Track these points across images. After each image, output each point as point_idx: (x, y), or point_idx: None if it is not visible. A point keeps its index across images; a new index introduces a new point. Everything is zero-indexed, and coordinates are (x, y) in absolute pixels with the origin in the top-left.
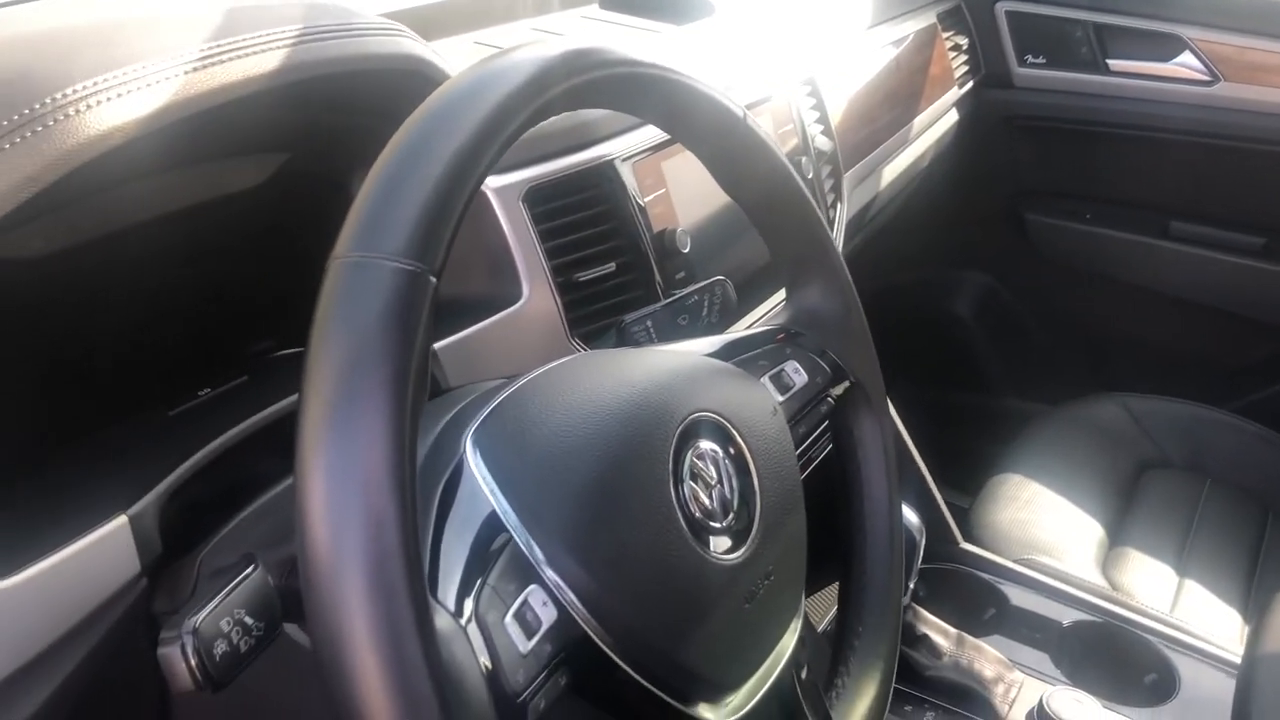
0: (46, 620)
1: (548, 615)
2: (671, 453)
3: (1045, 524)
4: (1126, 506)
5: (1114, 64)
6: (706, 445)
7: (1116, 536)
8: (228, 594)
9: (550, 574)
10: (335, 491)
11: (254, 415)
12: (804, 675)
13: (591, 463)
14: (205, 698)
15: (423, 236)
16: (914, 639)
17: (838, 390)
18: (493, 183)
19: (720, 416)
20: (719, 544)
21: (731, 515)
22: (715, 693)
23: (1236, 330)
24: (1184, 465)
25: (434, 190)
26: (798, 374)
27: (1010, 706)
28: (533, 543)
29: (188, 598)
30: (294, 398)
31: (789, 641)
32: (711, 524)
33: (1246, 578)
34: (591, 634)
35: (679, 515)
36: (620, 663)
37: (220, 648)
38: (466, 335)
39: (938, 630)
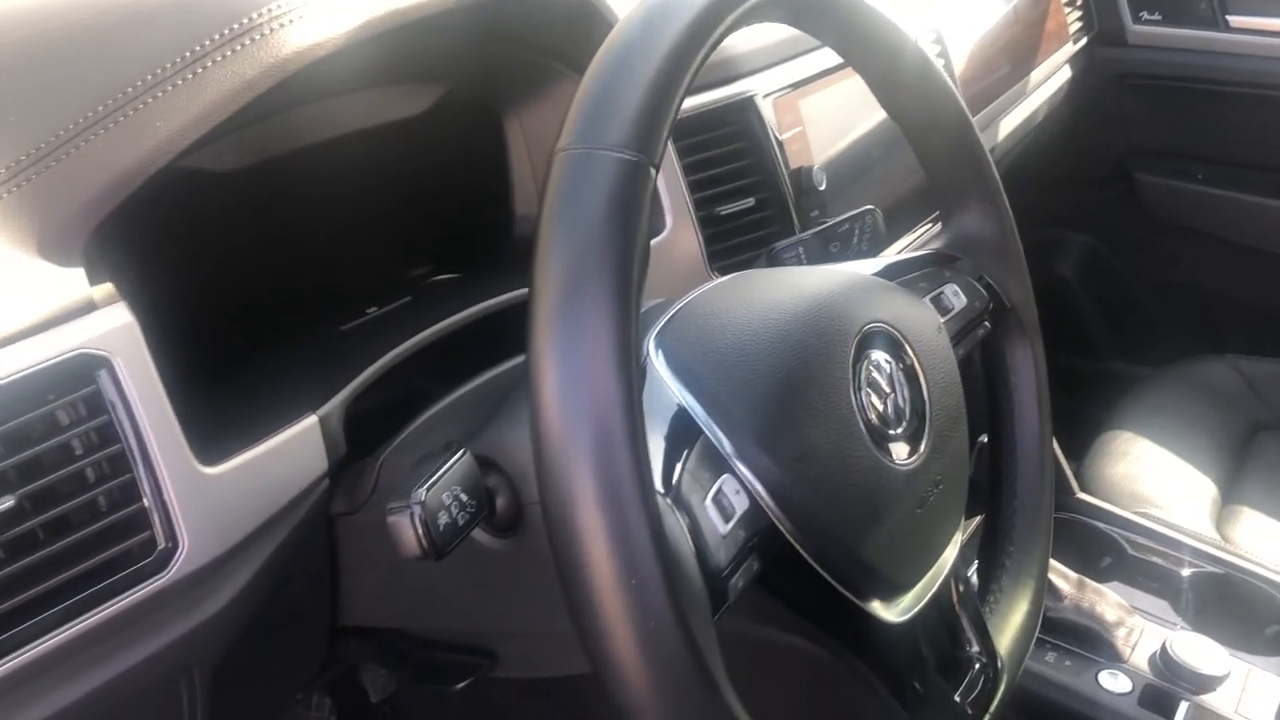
0: (248, 510)
1: (740, 503)
2: (851, 359)
3: (1158, 479)
4: (1239, 466)
5: (1234, 20)
6: (879, 356)
7: (1229, 495)
8: (444, 472)
9: (741, 467)
10: (567, 372)
11: (419, 333)
12: (963, 589)
13: (776, 364)
14: (427, 563)
15: (643, 129)
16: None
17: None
18: None
19: (893, 329)
20: (897, 450)
21: (904, 424)
22: (888, 591)
23: None
24: None
25: (652, 86)
26: (957, 297)
27: (1132, 650)
28: (722, 437)
29: (367, 498)
30: (455, 318)
31: (951, 553)
32: (888, 430)
33: None
34: (779, 525)
35: (859, 419)
36: (804, 554)
37: (443, 519)
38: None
39: (1058, 574)
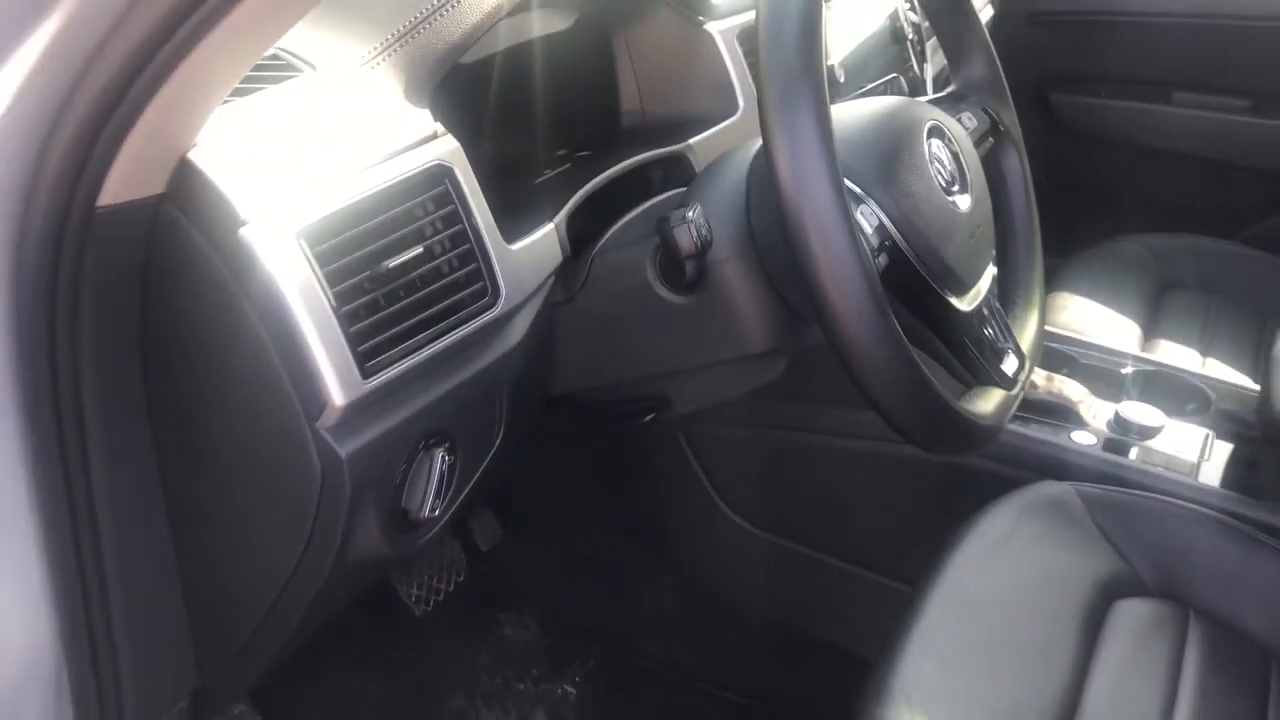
0: (529, 276)
1: (873, 223)
2: (925, 141)
3: (1094, 324)
4: (1154, 316)
5: None
6: (938, 143)
7: (1149, 334)
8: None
9: (870, 200)
10: (792, 146)
11: (591, 180)
12: (994, 300)
13: (883, 140)
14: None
15: None
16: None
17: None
18: (715, 27)
19: (945, 127)
20: (956, 199)
21: (957, 185)
22: (959, 287)
23: (1232, 176)
24: (1198, 287)
25: None
26: (970, 120)
27: (1093, 417)
28: (853, 184)
29: (579, 289)
30: (609, 172)
31: (990, 271)
32: (951, 187)
33: (1254, 349)
34: (895, 236)
35: (934, 177)
36: (910, 258)
37: (703, 231)
38: (709, 135)
39: (1036, 374)
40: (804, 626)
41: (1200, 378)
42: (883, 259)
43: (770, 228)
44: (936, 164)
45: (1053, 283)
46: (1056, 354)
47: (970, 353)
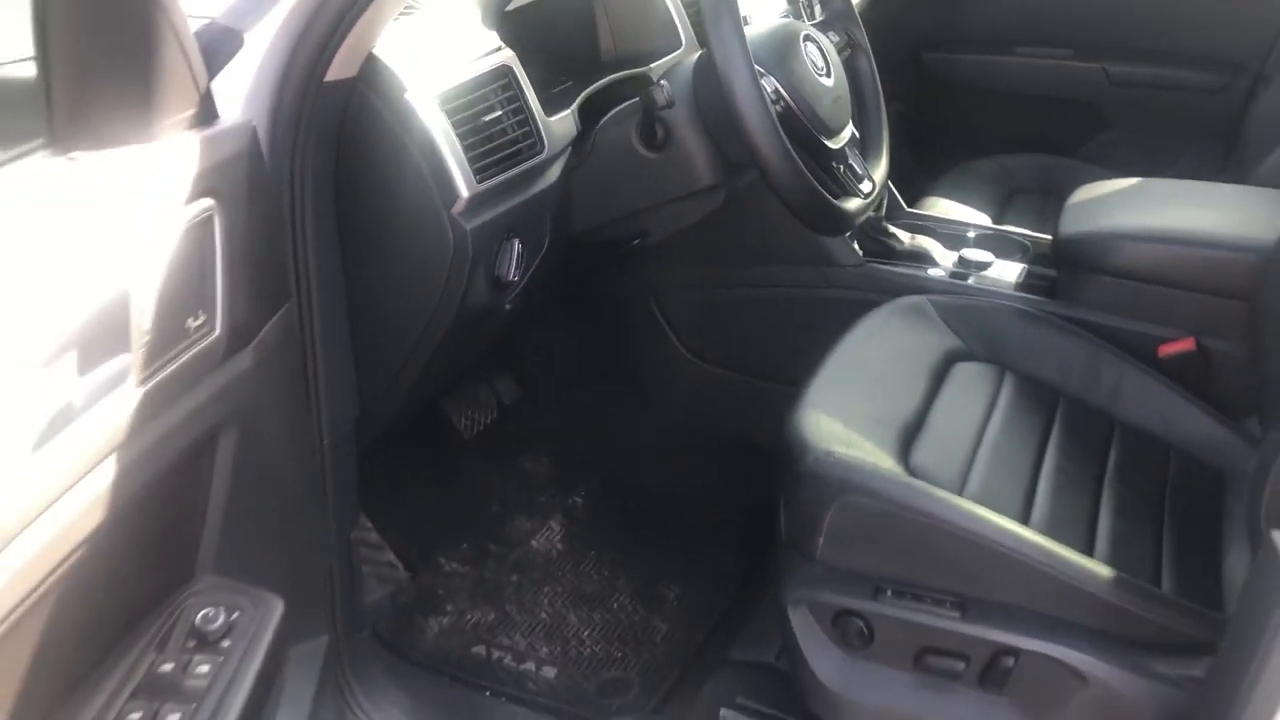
0: (559, 140)
1: (771, 87)
2: (801, 44)
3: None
4: (1002, 213)
5: None
6: (810, 46)
7: (998, 221)
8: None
9: (770, 76)
10: (722, 45)
11: (590, 87)
12: (855, 148)
13: (776, 42)
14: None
15: None
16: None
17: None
18: None
19: (816, 37)
20: (824, 80)
21: (824, 71)
22: (828, 133)
23: (1064, 109)
24: (1038, 191)
25: None
26: (835, 37)
27: (944, 261)
28: (759, 67)
29: (587, 157)
30: (600, 83)
31: (848, 130)
32: (820, 72)
33: None
34: (786, 98)
35: (810, 68)
36: (795, 110)
37: (669, 93)
38: (662, 61)
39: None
40: (749, 436)
41: (1023, 235)
42: (779, 108)
43: (711, 99)
44: (810, 58)
45: (926, 191)
46: (922, 227)
47: (839, 176)
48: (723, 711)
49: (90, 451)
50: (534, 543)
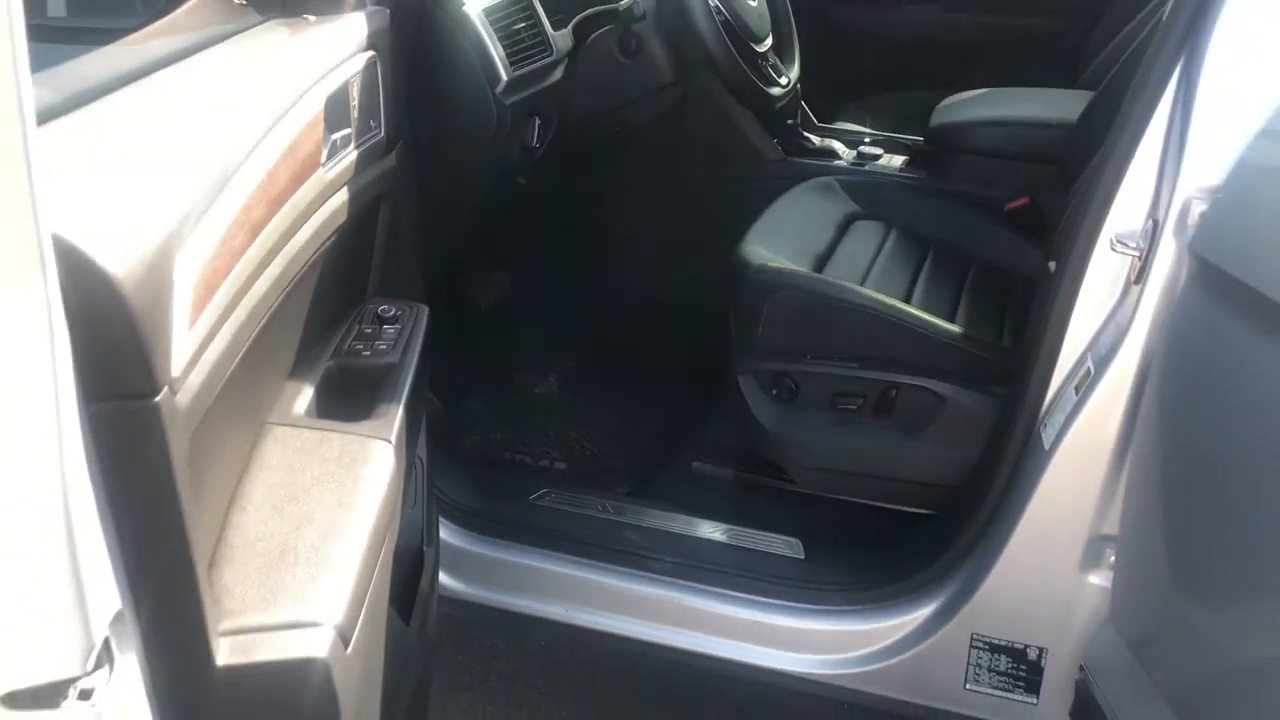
0: (562, 47)
1: (713, 5)
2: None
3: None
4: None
5: None
6: None
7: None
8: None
9: None
10: None
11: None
12: (772, 54)
13: None
14: None
15: None
16: (801, 139)
17: None
18: None
19: None
20: (754, 3)
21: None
22: (755, 39)
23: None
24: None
25: None
26: None
27: (847, 157)
28: None
29: (579, 63)
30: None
31: (769, 40)
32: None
33: None
34: (725, 11)
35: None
36: (730, 20)
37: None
38: None
39: None
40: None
41: (906, 138)
42: (720, 19)
43: (671, 15)
44: None
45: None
46: (829, 133)
47: (764, 71)
48: (694, 464)
49: (334, 181)
50: (536, 390)
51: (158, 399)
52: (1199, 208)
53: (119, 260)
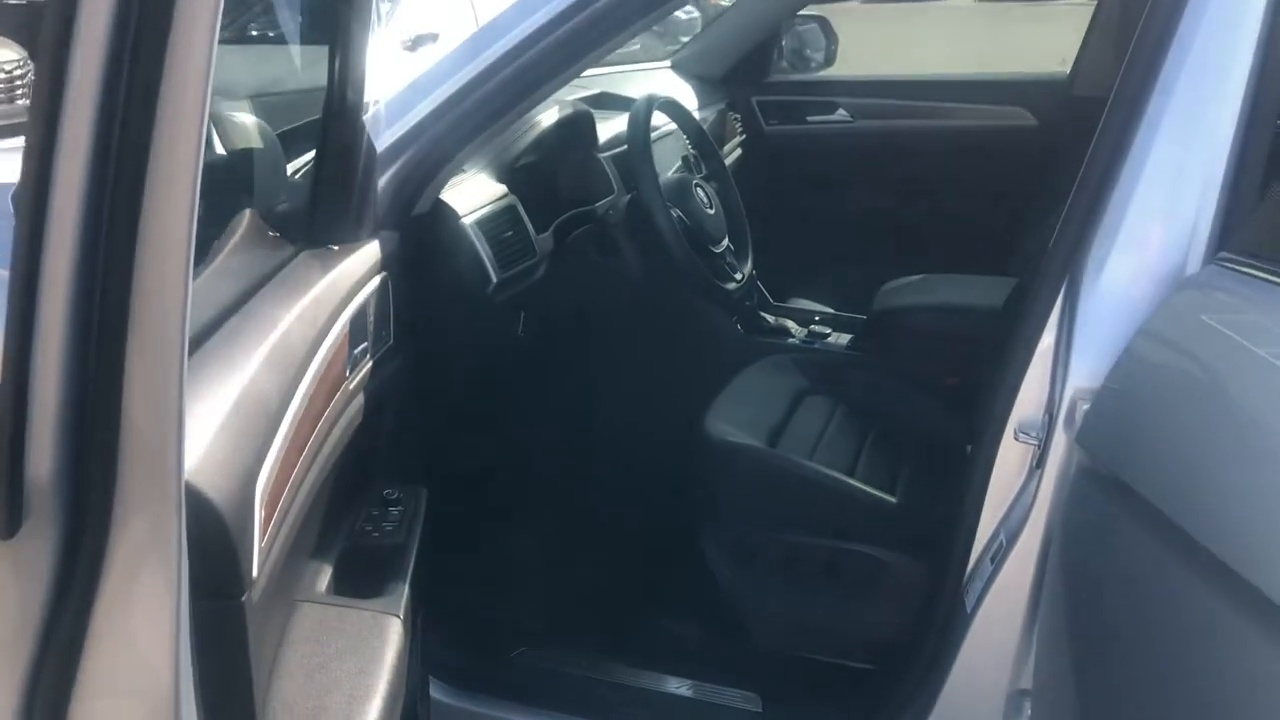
0: (543, 248)
1: (675, 214)
2: (694, 190)
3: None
4: (844, 298)
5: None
6: (700, 191)
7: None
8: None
9: (674, 208)
10: (647, 187)
11: (562, 215)
12: (730, 254)
13: (671, 188)
14: None
15: None
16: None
17: None
18: (603, 156)
19: (703, 183)
20: (710, 210)
21: (709, 205)
22: (713, 241)
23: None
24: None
25: None
26: (714, 183)
27: (799, 334)
28: (667, 200)
29: (560, 262)
30: (566, 214)
31: (725, 241)
32: (707, 206)
33: None
34: (686, 221)
35: (700, 204)
36: (692, 228)
37: (618, 215)
38: (605, 201)
39: None
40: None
41: (851, 316)
42: (681, 226)
43: (640, 223)
44: (699, 197)
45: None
46: (782, 312)
47: (721, 269)
48: (660, 620)
49: (355, 389)
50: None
51: (243, 598)
52: (1083, 405)
53: (221, 493)
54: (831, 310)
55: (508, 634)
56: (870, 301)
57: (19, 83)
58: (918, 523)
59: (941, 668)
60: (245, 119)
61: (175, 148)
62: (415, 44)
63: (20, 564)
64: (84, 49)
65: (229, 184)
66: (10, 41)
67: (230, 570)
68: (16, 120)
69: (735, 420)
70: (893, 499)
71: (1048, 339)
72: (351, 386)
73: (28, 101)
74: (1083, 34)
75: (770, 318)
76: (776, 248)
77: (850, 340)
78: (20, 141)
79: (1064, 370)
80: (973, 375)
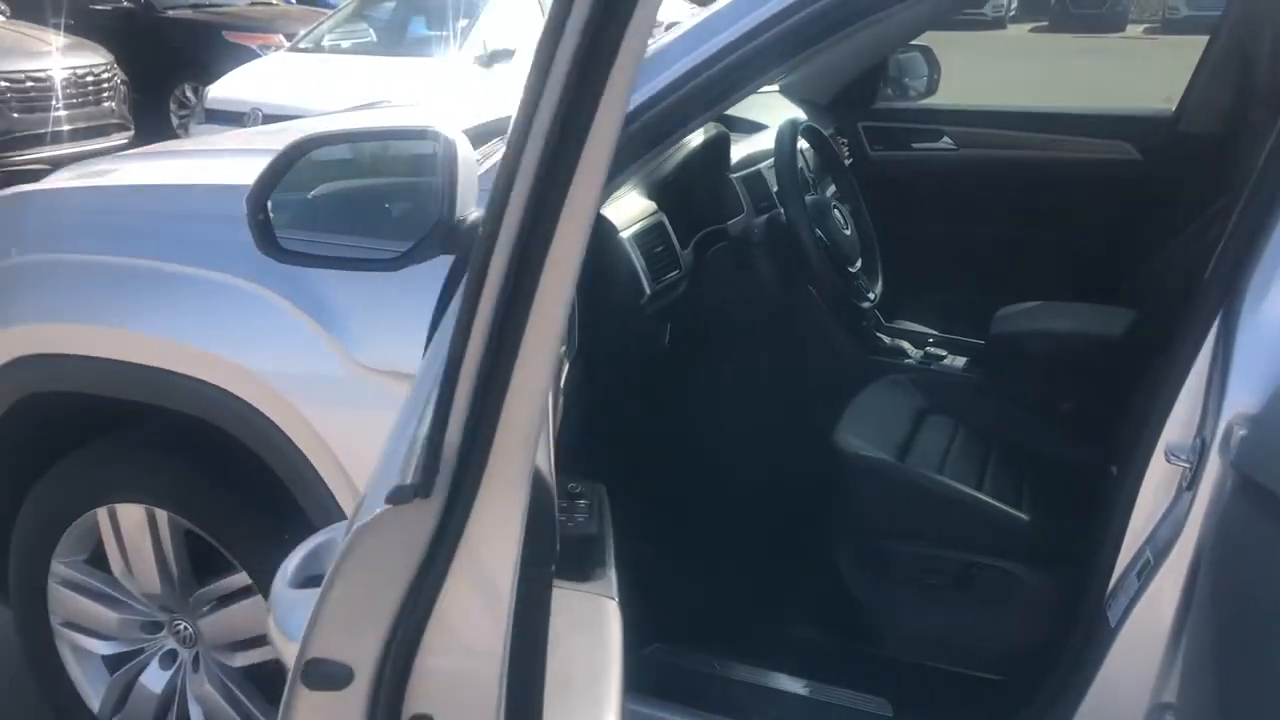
0: (688, 264)
1: (818, 232)
2: (833, 211)
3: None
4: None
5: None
6: (837, 213)
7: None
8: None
9: (816, 228)
10: (793, 214)
11: (704, 230)
12: (861, 275)
13: (814, 206)
14: None
15: None
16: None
17: None
18: (734, 178)
19: (839, 203)
20: (848, 232)
21: (849, 230)
22: (847, 261)
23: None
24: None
25: None
26: (848, 203)
27: (915, 355)
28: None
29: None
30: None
31: (859, 260)
32: (844, 227)
33: None
34: (823, 239)
35: (838, 224)
36: (828, 248)
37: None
38: (733, 221)
39: None
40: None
41: (966, 340)
42: (822, 246)
43: (783, 242)
44: (837, 218)
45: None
46: (900, 333)
47: (855, 286)
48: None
49: None
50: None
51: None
52: (1239, 431)
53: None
54: (946, 335)
55: (641, 630)
56: (973, 325)
57: (105, 85)
58: (1051, 539)
59: (1081, 680)
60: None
61: (589, 169)
62: (490, 60)
63: (408, 525)
64: (555, 68)
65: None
66: (98, 46)
67: (549, 544)
68: (103, 122)
69: (865, 435)
70: (1024, 516)
71: (1201, 364)
72: (561, 385)
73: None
74: (1130, 67)
75: (886, 338)
76: (887, 269)
77: (966, 362)
78: (255, 143)
79: (1219, 395)
80: (1089, 401)
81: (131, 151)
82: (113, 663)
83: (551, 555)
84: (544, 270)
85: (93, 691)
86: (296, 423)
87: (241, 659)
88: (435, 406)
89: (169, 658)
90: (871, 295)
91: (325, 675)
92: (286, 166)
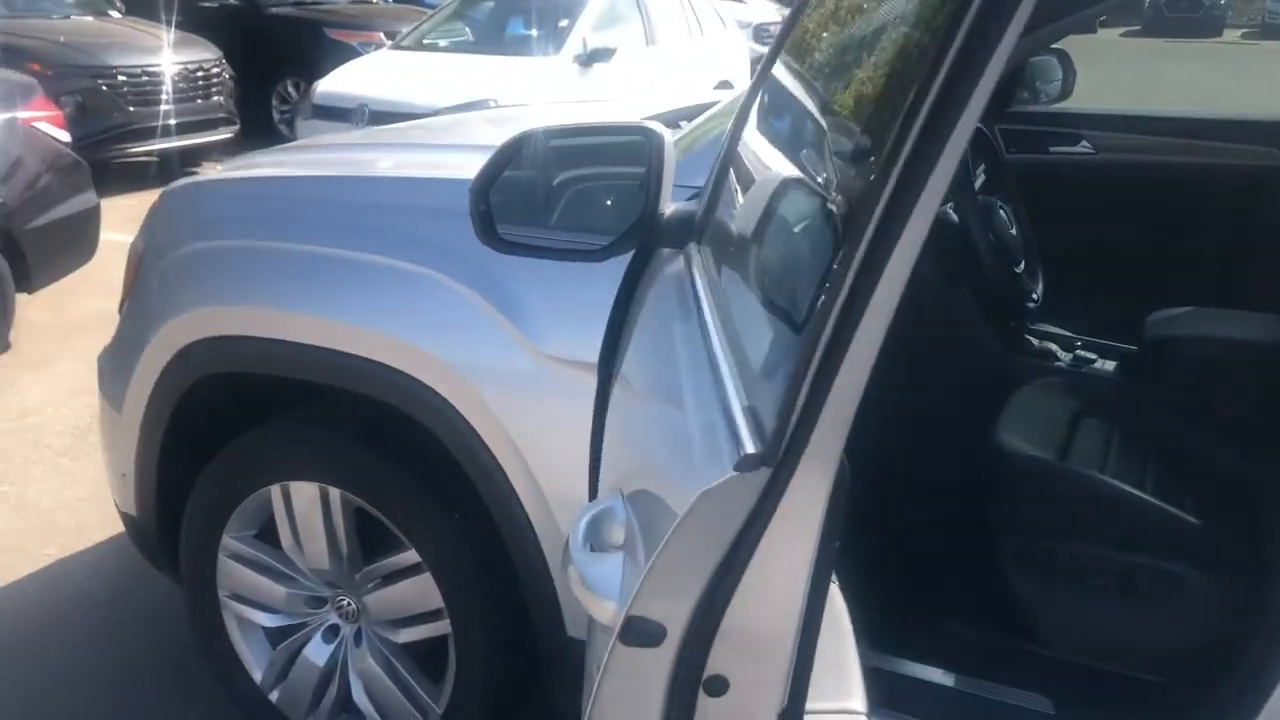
0: None
1: (994, 226)
2: (999, 211)
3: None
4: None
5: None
6: (1002, 213)
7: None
8: None
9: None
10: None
11: None
12: (1022, 270)
13: (984, 207)
14: None
15: None
16: (1022, 340)
17: None
18: None
19: (1003, 204)
20: (1014, 232)
21: (1014, 229)
22: (1015, 262)
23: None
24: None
25: None
26: (1010, 203)
27: (1065, 357)
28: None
29: None
30: None
31: (1022, 254)
32: (1011, 230)
33: None
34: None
35: (1004, 223)
36: (1005, 256)
37: None
38: None
39: None
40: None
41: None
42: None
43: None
44: (1002, 218)
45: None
46: (1049, 336)
47: (1019, 286)
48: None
49: None
50: None
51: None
52: None
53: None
54: (1093, 339)
55: None
56: (1116, 329)
57: (214, 80)
58: (1225, 543)
59: (1265, 682)
60: None
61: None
62: (589, 60)
63: (745, 492)
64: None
65: None
66: (207, 42)
67: (840, 520)
68: (211, 116)
69: (1025, 435)
70: (1193, 518)
71: None
72: None
73: (222, 99)
74: (1229, 73)
75: (1034, 340)
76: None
77: (1116, 366)
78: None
79: None
80: (1247, 408)
81: (287, 145)
82: (275, 635)
83: (839, 531)
84: (888, 264)
85: (255, 662)
86: (479, 410)
87: (405, 635)
88: (787, 382)
89: (331, 632)
90: (1035, 296)
91: (643, 632)
92: (508, 159)
